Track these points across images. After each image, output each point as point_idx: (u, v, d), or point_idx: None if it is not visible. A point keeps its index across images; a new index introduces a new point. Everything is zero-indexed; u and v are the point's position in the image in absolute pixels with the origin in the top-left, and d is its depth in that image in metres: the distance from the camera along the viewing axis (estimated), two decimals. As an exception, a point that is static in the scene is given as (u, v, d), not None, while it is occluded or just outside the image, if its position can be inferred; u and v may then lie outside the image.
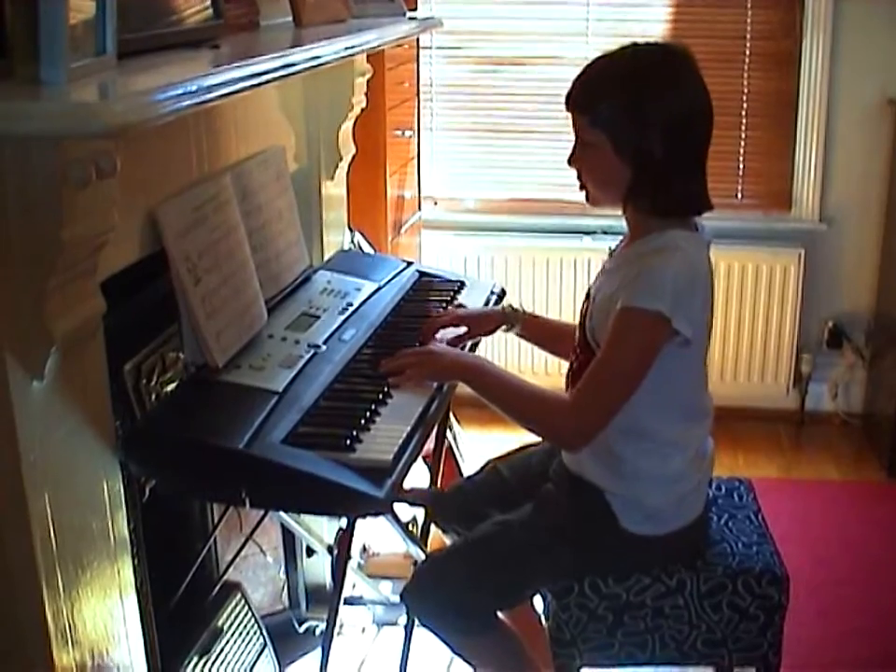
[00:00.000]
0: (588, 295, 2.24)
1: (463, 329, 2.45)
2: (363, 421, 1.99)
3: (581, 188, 2.18)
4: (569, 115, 2.13)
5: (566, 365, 2.29)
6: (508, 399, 2.14)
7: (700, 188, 2.13)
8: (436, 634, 2.28)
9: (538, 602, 2.43)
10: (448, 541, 2.60)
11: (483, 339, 2.55)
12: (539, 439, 2.32)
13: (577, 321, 2.26)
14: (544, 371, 4.49)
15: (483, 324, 2.49)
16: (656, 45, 2.14)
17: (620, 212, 2.19)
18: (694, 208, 2.14)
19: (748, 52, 4.41)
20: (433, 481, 2.90)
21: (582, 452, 2.16)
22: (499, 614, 2.30)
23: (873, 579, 3.52)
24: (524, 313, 2.51)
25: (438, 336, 2.40)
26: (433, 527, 2.75)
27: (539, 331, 2.53)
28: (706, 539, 2.28)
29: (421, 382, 2.18)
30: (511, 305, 2.53)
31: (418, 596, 2.28)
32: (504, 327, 2.50)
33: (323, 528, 2.97)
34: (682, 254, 2.06)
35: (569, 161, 2.16)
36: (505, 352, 4.56)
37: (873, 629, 3.26)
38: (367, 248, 3.51)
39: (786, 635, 2.23)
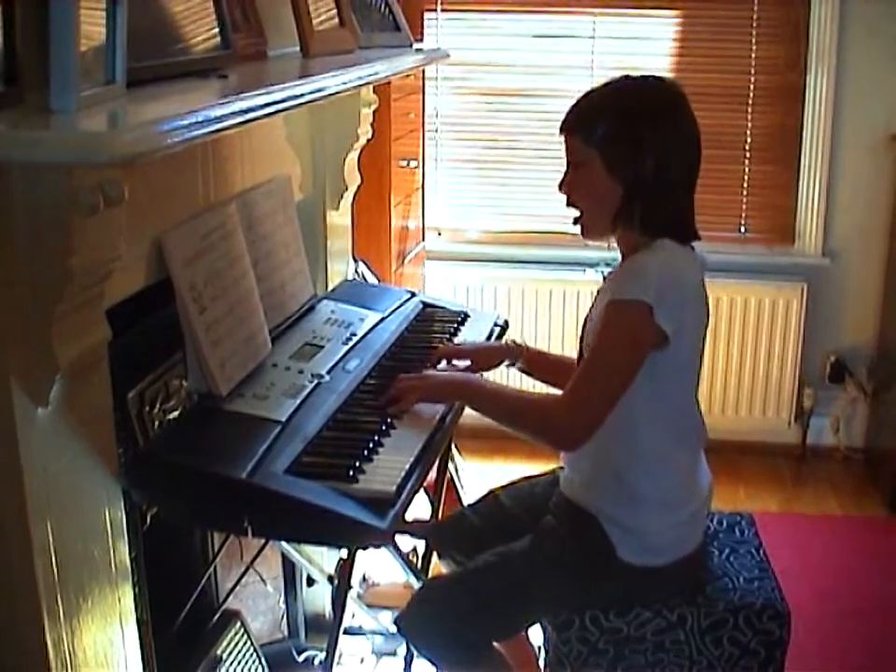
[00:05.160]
0: (586, 319, 2.25)
1: (466, 363, 2.45)
2: (366, 452, 1.99)
3: (575, 221, 2.21)
4: (563, 142, 2.20)
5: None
6: (503, 408, 2.16)
7: (690, 214, 2.15)
8: (430, 661, 2.28)
9: (537, 634, 2.43)
10: (446, 570, 2.59)
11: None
12: (538, 446, 2.32)
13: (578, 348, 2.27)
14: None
15: (486, 358, 2.50)
16: (650, 76, 2.20)
17: (615, 244, 2.21)
18: (684, 232, 2.16)
19: (752, 86, 4.40)
20: (435, 512, 2.89)
21: (578, 474, 2.18)
22: (494, 644, 2.30)
23: (874, 613, 3.51)
24: (527, 348, 2.52)
25: (440, 367, 2.41)
26: (434, 557, 2.74)
27: (540, 365, 2.53)
28: (705, 572, 2.27)
29: (416, 403, 2.19)
30: (514, 340, 2.54)
31: (413, 623, 2.29)
32: (507, 361, 2.50)
33: (323, 558, 2.96)
34: (667, 254, 2.10)
35: (560, 187, 2.20)
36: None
37: (874, 664, 3.24)
38: (370, 278, 3.52)
39: (787, 670, 2.22)
